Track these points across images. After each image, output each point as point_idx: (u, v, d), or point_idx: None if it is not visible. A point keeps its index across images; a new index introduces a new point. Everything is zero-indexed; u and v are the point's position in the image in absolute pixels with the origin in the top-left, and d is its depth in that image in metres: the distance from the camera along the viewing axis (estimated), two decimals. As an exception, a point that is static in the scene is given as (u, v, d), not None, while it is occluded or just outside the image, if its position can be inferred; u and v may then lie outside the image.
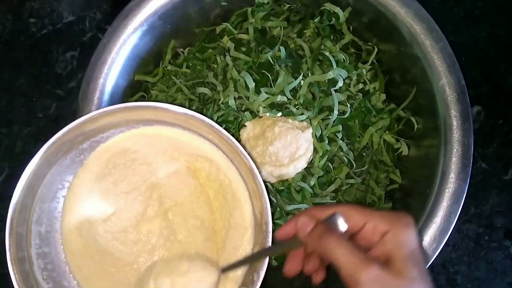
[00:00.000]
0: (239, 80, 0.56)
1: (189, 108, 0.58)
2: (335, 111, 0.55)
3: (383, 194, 0.58)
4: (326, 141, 0.55)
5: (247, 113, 0.56)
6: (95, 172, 0.49)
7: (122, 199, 0.49)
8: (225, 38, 0.60)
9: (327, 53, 0.56)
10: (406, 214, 0.38)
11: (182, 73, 0.61)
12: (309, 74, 0.57)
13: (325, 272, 0.43)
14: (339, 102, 0.55)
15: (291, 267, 0.42)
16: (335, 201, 0.56)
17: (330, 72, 0.55)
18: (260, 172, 0.50)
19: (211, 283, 0.45)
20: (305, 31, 0.60)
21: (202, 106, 0.58)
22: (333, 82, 0.56)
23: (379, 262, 0.35)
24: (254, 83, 0.55)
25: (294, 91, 0.56)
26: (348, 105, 0.56)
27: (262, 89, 0.55)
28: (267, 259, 0.45)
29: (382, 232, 0.36)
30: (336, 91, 0.56)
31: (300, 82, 0.56)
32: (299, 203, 0.55)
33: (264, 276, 0.56)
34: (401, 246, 0.35)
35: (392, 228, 0.36)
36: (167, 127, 0.49)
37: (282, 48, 0.57)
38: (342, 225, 0.37)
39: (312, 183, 0.55)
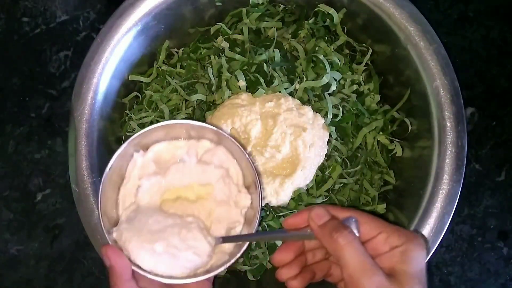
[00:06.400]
0: (231, 77, 0.56)
1: (186, 109, 0.58)
2: (329, 115, 0.55)
3: (376, 195, 0.58)
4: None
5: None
6: None
7: None
8: (220, 38, 0.60)
9: (321, 57, 0.57)
10: (421, 235, 0.39)
11: (177, 73, 0.61)
12: (304, 77, 0.57)
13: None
14: (332, 106, 0.56)
15: (281, 257, 0.40)
16: (327, 200, 0.56)
17: (324, 77, 0.55)
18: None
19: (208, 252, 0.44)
20: (299, 32, 0.60)
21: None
22: (327, 85, 0.56)
23: (385, 272, 0.35)
24: (245, 82, 0.55)
25: (289, 94, 0.56)
26: (340, 109, 0.56)
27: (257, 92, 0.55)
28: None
29: (392, 246, 0.37)
30: (329, 94, 0.56)
31: (295, 86, 0.56)
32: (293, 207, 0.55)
33: (259, 278, 0.57)
34: (410, 263, 0.36)
35: (405, 243, 0.36)
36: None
37: (276, 51, 0.57)
38: (356, 229, 0.37)
39: (310, 184, 0.55)
